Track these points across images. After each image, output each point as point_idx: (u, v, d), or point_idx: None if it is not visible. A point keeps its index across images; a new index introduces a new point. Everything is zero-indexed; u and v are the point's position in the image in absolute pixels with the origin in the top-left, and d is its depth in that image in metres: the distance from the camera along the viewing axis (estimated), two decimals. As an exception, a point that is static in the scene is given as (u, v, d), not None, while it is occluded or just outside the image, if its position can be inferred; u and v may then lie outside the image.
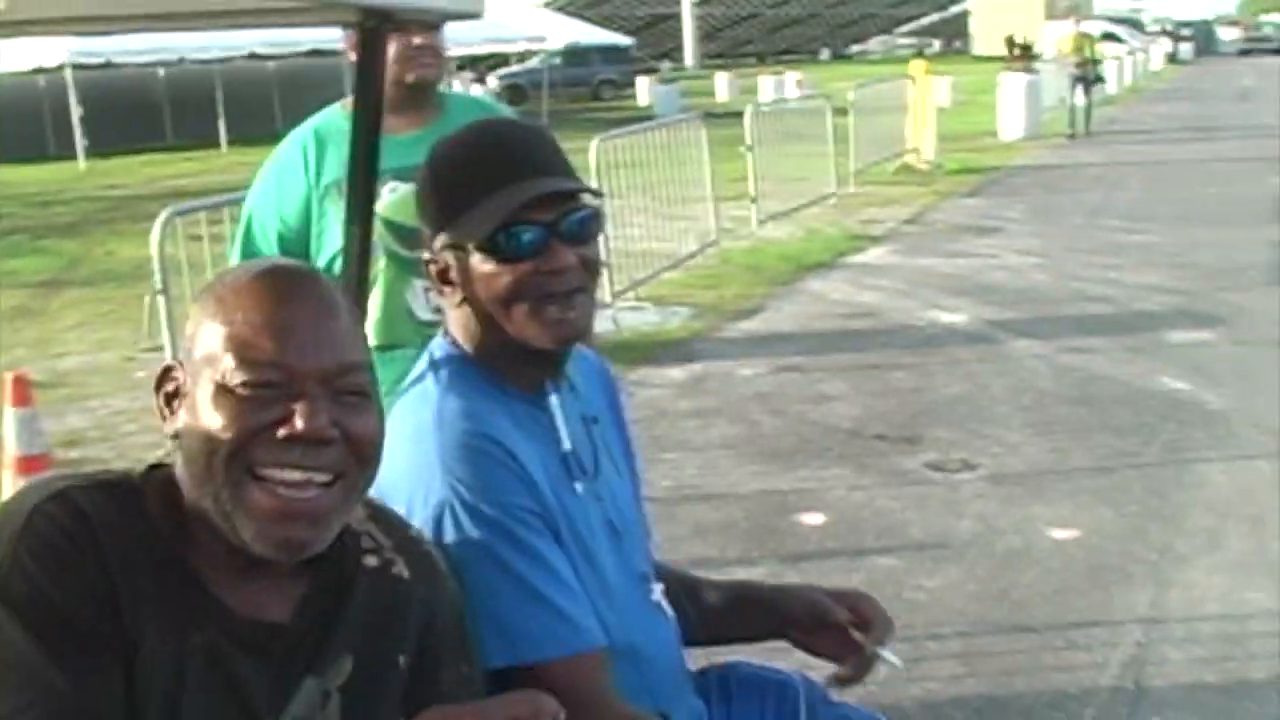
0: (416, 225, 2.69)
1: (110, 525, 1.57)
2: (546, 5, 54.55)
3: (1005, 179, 19.19)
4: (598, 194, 2.17)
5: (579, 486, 2.14)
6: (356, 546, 1.77)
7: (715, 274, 12.08)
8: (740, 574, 5.06)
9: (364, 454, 1.65)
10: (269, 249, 3.49)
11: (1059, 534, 5.76)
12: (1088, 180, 18.61)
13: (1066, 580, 5.29)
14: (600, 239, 2.15)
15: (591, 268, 2.10)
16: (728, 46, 75.78)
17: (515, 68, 43.61)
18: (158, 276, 6.75)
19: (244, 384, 1.58)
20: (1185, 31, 74.48)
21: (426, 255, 2.15)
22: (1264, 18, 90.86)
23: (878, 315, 10.37)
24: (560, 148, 2.15)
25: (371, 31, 2.36)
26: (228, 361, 1.59)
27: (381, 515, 1.85)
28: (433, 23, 3.30)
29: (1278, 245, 12.67)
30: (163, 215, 6.83)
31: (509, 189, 2.02)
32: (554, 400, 2.16)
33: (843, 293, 11.27)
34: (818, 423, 7.43)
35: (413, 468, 1.98)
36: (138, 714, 1.54)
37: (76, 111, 28.57)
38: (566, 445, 2.14)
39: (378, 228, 3.05)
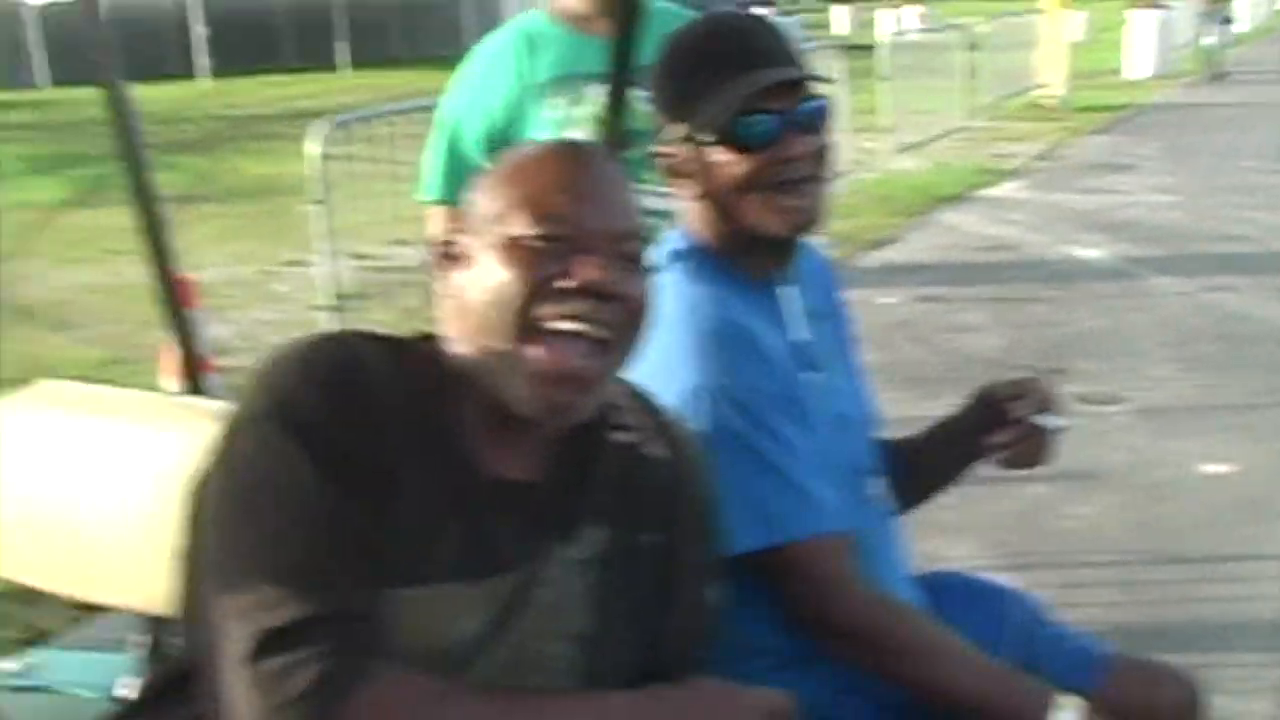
0: (633, 126, 2.73)
1: (380, 373, 1.63)
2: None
3: (1136, 117, 18.88)
4: (829, 82, 2.19)
5: (808, 378, 2.17)
6: (613, 420, 1.80)
7: (848, 204, 11.99)
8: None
9: (636, 318, 1.68)
10: (474, 151, 3.46)
11: (1210, 468, 5.71)
12: (1220, 120, 18.26)
13: (1219, 514, 5.25)
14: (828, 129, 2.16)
15: (824, 156, 2.13)
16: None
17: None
18: (317, 186, 6.83)
19: (536, 237, 1.62)
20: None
21: (658, 149, 2.18)
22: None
23: (1014, 249, 10.28)
24: (788, 38, 2.17)
25: None
26: (519, 217, 1.63)
27: (640, 396, 1.88)
28: None
29: None
30: (324, 126, 6.90)
31: (743, 78, 2.05)
32: (785, 291, 2.19)
33: (977, 225, 11.18)
34: (960, 352, 7.40)
35: (660, 356, 2.01)
36: (390, 554, 1.58)
37: (202, 32, 28.81)
38: (797, 336, 2.18)
39: (586, 134, 3.06)
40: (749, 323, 2.07)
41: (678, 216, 2.29)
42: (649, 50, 3.00)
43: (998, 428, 2.32)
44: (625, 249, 1.66)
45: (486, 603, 1.66)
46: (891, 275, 9.45)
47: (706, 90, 2.08)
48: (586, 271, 1.61)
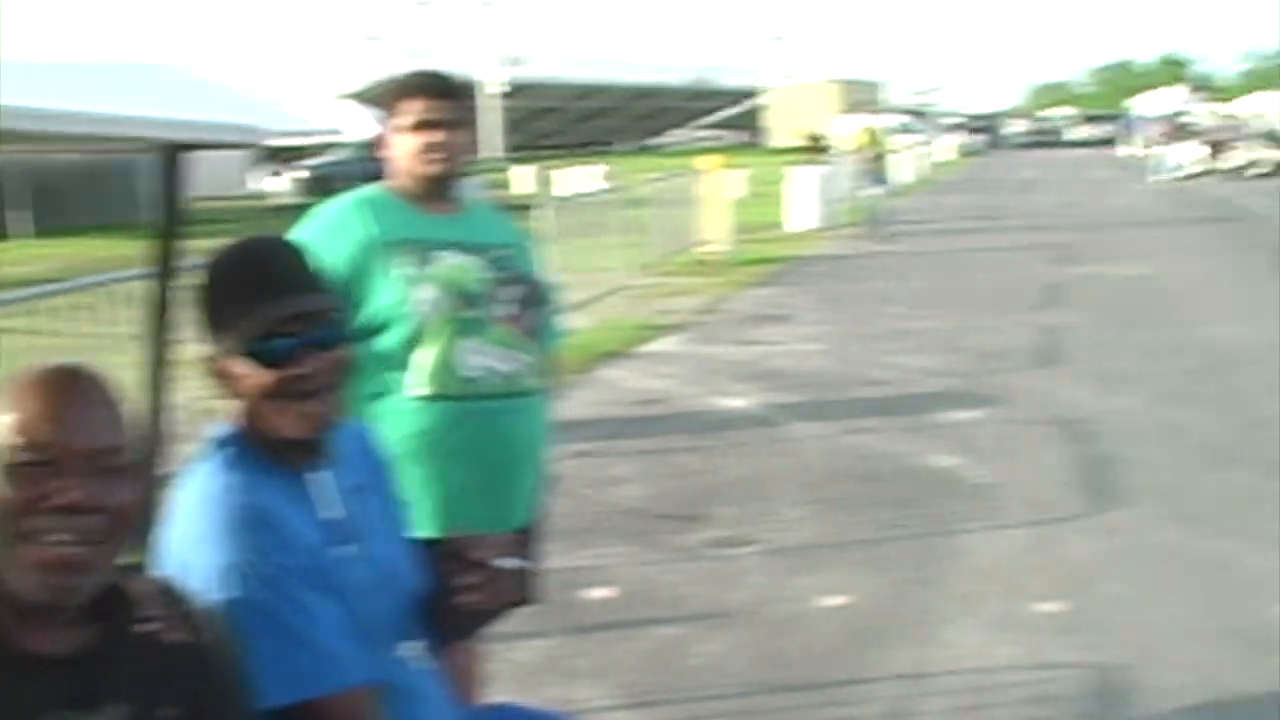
0: (475, 289, 3.48)
1: None
2: (346, 96, 54.76)
3: (796, 269, 19.83)
4: (341, 310, 2.53)
5: (342, 550, 2.48)
6: (135, 611, 2.09)
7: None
8: (533, 645, 5.39)
9: (118, 524, 1.97)
10: None
11: (829, 601, 6.14)
12: (874, 270, 19.38)
13: (834, 643, 5.67)
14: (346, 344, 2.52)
15: (341, 368, 2.48)
16: (530, 138, 76.50)
17: (325, 159, 43.54)
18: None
19: (22, 463, 1.92)
20: (978, 124, 77.88)
21: (207, 352, 2.48)
22: (1047, 112, 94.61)
23: (667, 401, 10.74)
24: (313, 265, 2.53)
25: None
26: (10, 442, 1.93)
27: (170, 589, 2.18)
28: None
29: (1043, 330, 13.44)
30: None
31: (264, 305, 2.40)
32: (313, 477, 2.51)
33: (634, 380, 11.62)
34: (607, 504, 7.72)
35: (195, 535, 2.35)
36: None
37: None
38: (325, 515, 2.49)
39: (437, 291, 3.58)
40: (276, 506, 2.39)
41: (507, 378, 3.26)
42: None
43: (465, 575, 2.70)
44: (104, 462, 1.95)
45: None
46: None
47: (233, 312, 2.42)
48: (65, 495, 1.91)
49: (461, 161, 3.81)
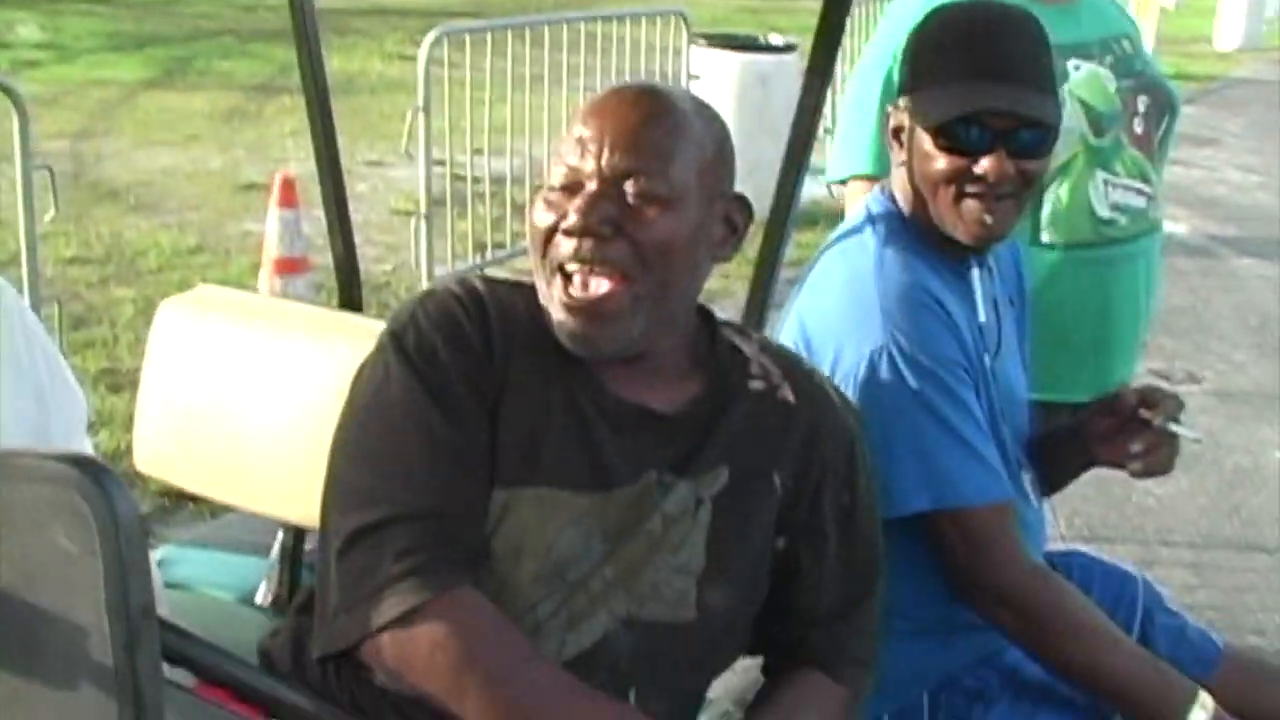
0: (1106, 109, 2.83)
1: (503, 305, 1.77)
2: None
3: (1222, 90, 18.58)
4: (1055, 123, 2.14)
5: (986, 360, 2.20)
6: (745, 370, 1.87)
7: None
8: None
9: (649, 257, 1.71)
10: None
11: (1288, 457, 5.71)
12: (1309, 101, 18.05)
13: (1299, 506, 5.25)
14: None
15: (1029, 180, 2.12)
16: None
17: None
18: (421, 94, 6.86)
19: (551, 187, 1.74)
20: None
21: (892, 106, 2.22)
22: None
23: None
24: (1048, 62, 2.15)
25: None
26: (553, 167, 1.76)
27: (771, 348, 1.95)
28: None
29: None
30: (432, 35, 6.92)
31: (979, 86, 2.07)
32: (975, 274, 2.22)
33: (1060, 190, 10.99)
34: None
35: (849, 311, 2.10)
36: (496, 459, 1.70)
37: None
38: (982, 317, 2.21)
39: (1072, 108, 2.86)
40: (938, 291, 2.11)
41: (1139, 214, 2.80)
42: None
43: (1132, 435, 2.31)
44: (632, 187, 1.70)
45: (592, 515, 1.72)
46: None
47: (941, 79, 2.11)
48: (574, 215, 1.69)
49: None
